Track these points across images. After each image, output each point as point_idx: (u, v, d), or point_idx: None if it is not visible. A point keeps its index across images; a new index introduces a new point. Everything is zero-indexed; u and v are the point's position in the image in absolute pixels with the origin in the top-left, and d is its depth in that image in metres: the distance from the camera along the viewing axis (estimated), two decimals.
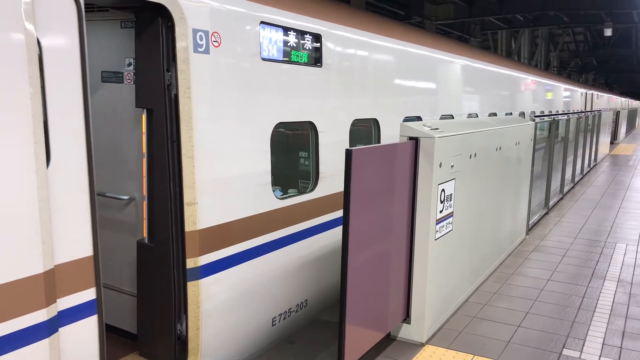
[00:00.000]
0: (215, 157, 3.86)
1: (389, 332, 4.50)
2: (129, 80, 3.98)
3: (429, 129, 4.38)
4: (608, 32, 17.41)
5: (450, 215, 4.68)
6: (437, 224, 4.43)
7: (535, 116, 7.84)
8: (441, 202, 4.46)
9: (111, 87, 4.12)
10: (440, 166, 4.34)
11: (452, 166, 4.58)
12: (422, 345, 4.43)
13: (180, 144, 3.62)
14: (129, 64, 3.97)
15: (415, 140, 4.28)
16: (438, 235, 4.48)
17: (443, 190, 4.46)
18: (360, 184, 3.56)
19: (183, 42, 3.55)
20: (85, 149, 3.06)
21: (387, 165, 3.93)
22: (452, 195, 4.67)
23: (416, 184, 4.34)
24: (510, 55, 26.42)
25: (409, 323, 4.50)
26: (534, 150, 7.64)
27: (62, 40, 2.93)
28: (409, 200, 4.33)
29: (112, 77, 4.07)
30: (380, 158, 3.80)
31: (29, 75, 2.70)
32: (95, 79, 4.06)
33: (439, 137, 4.27)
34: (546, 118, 9.07)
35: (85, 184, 3.07)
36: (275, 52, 4.39)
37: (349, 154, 3.36)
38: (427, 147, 4.25)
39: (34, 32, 2.72)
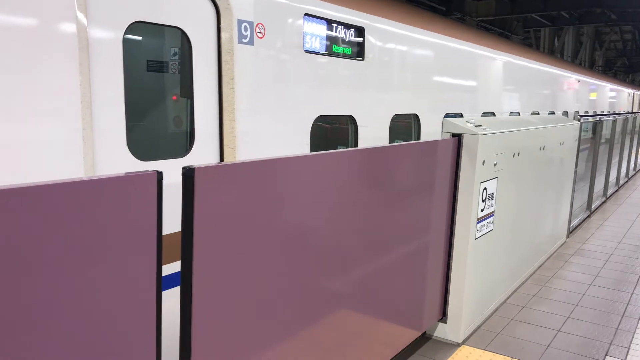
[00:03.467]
0: (256, 148, 3.87)
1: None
2: (174, 70, 4.02)
3: (472, 125, 4.29)
4: None
5: (491, 214, 4.58)
6: (477, 223, 4.34)
7: (581, 116, 7.61)
8: (482, 200, 4.37)
9: (156, 76, 4.18)
10: (483, 164, 4.25)
11: (495, 164, 4.48)
12: (458, 345, 4.35)
13: (223, 135, 3.63)
14: (174, 54, 4.01)
15: (458, 137, 4.20)
16: (478, 234, 4.39)
17: (485, 188, 4.37)
18: (213, 214, 2.18)
19: (228, 33, 3.55)
20: (218, 138, 3.56)
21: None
22: (494, 194, 4.57)
23: (457, 182, 4.26)
24: (553, 54, 25.76)
25: (445, 322, 4.43)
26: (578, 151, 7.41)
27: (204, 39, 3.43)
28: (449, 198, 4.25)
29: (157, 66, 4.12)
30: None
31: (79, 63, 2.75)
32: (141, 68, 4.15)
33: (483, 134, 4.18)
34: (590, 118, 8.81)
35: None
36: (318, 45, 4.36)
37: (188, 174, 2.04)
38: (470, 144, 4.17)
39: (85, 22, 2.76)
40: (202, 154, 3.52)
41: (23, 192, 1.54)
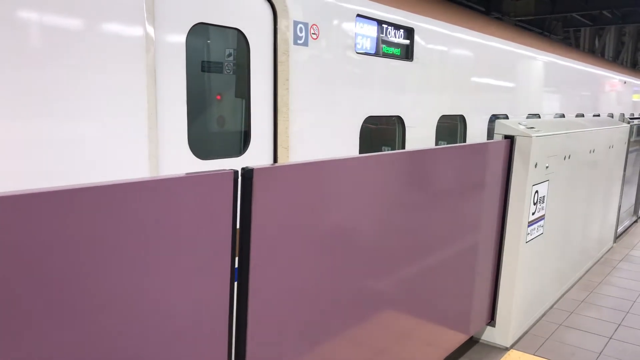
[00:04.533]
0: (308, 149, 3.90)
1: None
2: (230, 71, 4.08)
3: (524, 127, 4.24)
4: None
5: (541, 218, 4.51)
6: (528, 226, 4.29)
7: (631, 118, 7.42)
8: (534, 204, 4.31)
9: (215, 77, 4.25)
10: (535, 166, 4.19)
11: (547, 167, 4.41)
12: (506, 349, 4.30)
13: (277, 135, 3.67)
14: (229, 55, 4.07)
15: (510, 139, 4.15)
16: (529, 238, 4.33)
17: (537, 191, 4.31)
18: (270, 217, 2.19)
19: (284, 34, 3.59)
20: (272, 138, 3.62)
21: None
22: (545, 197, 4.50)
23: (509, 184, 4.21)
24: (593, 54, 25.18)
25: (494, 326, 4.39)
26: (627, 155, 7.23)
27: (262, 40, 3.50)
28: (500, 201, 4.21)
29: (216, 67, 4.19)
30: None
31: (145, 64, 2.82)
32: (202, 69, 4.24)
33: (537, 136, 4.12)
34: (636, 121, 8.56)
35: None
36: (368, 46, 4.37)
37: (247, 175, 2.03)
38: (523, 146, 4.11)
39: (152, 24, 2.83)
40: (257, 153, 3.57)
41: (108, 190, 1.60)
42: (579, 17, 21.91)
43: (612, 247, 7.28)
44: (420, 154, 3.21)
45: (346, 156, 2.65)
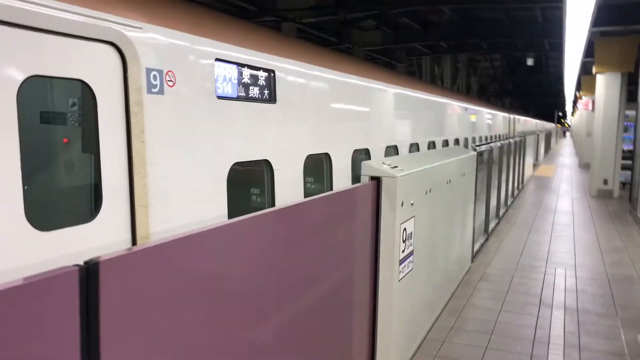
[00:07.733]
0: (172, 204, 3.57)
1: None
2: (74, 122, 3.62)
3: (389, 167, 4.30)
4: (530, 62, 18.42)
5: (411, 254, 4.60)
6: (400, 264, 4.33)
7: (477, 145, 8.03)
8: (403, 241, 4.38)
9: (55, 130, 3.74)
10: (402, 205, 4.27)
11: (412, 204, 4.52)
12: None
13: (134, 193, 3.30)
14: (73, 104, 3.62)
15: (377, 180, 4.18)
16: (401, 275, 4.38)
17: (405, 229, 4.38)
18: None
19: (136, 83, 3.26)
20: (129, 197, 3.23)
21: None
22: (412, 233, 4.60)
23: (379, 225, 4.23)
24: (434, 80, 27.53)
25: None
26: (476, 180, 7.79)
27: (110, 91, 3.13)
28: (372, 242, 4.21)
29: (55, 119, 3.68)
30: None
31: None
32: (37, 123, 3.71)
33: (401, 176, 4.20)
34: (484, 147, 9.34)
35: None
36: (230, 90, 4.17)
37: (92, 269, 1.70)
38: (389, 186, 4.16)
39: None
40: (111, 216, 3.17)
41: None
42: (419, 47, 23.88)
43: (470, 267, 7.76)
44: (289, 210, 3.08)
45: (209, 225, 2.45)
